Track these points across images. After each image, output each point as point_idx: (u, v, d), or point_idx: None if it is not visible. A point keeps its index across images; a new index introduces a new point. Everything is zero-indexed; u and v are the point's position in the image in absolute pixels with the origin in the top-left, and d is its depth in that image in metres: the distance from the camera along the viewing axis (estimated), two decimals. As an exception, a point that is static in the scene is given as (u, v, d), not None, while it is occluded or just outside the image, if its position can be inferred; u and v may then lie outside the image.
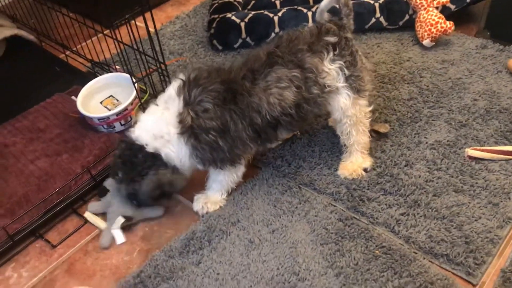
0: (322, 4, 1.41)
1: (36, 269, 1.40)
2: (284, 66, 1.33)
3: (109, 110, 1.72)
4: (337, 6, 1.42)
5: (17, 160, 1.64)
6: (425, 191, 1.45)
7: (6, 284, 1.37)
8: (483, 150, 1.53)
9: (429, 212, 1.40)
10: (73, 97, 1.84)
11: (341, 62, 1.37)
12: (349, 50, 1.39)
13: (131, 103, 1.69)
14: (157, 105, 1.37)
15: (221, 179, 1.45)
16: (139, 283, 1.31)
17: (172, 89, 1.34)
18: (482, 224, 1.35)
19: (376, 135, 1.62)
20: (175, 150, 1.34)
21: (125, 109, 1.67)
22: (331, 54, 1.36)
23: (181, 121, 1.30)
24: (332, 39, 1.37)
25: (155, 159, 1.34)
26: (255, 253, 1.35)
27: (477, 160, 1.52)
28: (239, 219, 1.44)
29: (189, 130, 1.30)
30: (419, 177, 1.49)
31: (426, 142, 1.59)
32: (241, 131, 1.32)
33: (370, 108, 1.48)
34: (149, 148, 1.33)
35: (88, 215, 1.51)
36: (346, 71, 1.38)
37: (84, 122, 1.73)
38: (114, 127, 1.69)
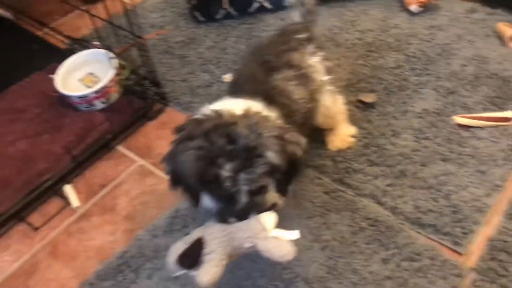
0: None
1: (19, 252, 1.38)
2: (283, 69, 1.24)
3: (90, 88, 1.68)
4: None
5: (-3, 142, 1.60)
6: (412, 161, 1.43)
7: (-11, 269, 1.35)
8: (471, 118, 1.50)
9: (416, 182, 1.38)
10: (51, 76, 1.79)
11: (322, 53, 1.33)
12: (322, 46, 1.37)
13: (111, 80, 1.64)
14: None
15: None
16: (123, 264, 1.29)
17: None
18: (470, 192, 1.33)
19: (362, 105, 1.58)
20: None
21: (105, 86, 1.62)
22: (310, 47, 1.31)
23: None
24: (303, 35, 1.33)
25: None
26: (241, 229, 1.33)
27: (466, 127, 1.50)
28: (224, 195, 1.42)
29: None
30: (406, 146, 1.46)
31: (413, 111, 1.56)
32: None
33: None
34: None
35: (67, 188, 1.49)
36: (327, 63, 1.34)
37: (64, 101, 1.69)
38: (95, 105, 1.64)
